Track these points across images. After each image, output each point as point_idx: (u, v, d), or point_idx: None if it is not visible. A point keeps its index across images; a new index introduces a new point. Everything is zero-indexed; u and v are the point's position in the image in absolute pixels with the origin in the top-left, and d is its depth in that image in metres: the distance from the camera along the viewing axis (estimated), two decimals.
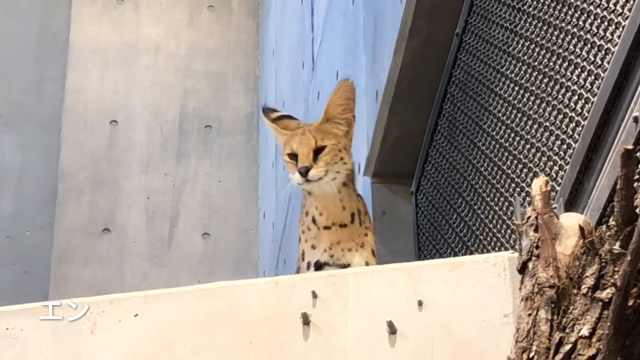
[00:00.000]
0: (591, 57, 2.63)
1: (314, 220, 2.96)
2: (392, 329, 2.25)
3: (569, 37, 2.78)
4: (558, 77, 2.83)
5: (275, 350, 2.28)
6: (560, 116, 2.79)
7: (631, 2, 2.44)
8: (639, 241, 1.69)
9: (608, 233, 1.81)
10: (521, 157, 3.06)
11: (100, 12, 9.07)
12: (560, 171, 2.75)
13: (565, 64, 2.79)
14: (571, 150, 2.69)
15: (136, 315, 2.35)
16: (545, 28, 2.97)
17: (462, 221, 3.61)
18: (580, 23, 2.71)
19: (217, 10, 9.26)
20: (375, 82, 4.51)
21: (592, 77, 2.61)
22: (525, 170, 3.02)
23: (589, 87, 2.62)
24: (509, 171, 3.15)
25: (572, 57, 2.74)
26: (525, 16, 3.15)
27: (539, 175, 2.79)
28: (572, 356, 1.79)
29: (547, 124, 2.87)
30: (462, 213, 3.61)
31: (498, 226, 3.24)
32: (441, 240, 3.86)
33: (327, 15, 5.93)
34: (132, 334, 2.33)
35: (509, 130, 3.19)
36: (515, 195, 3.05)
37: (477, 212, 3.44)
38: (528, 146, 3.01)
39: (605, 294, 1.79)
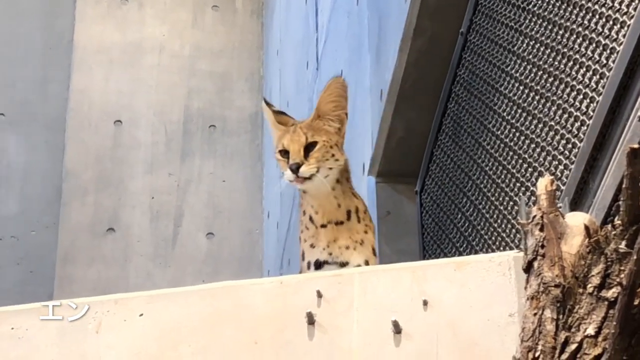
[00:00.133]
0: (596, 56, 2.62)
1: (311, 219, 2.96)
2: (397, 329, 2.25)
3: (574, 36, 2.78)
4: (563, 76, 2.82)
5: (280, 349, 2.28)
6: (566, 115, 2.78)
7: (636, 1, 2.44)
8: None
9: (614, 232, 1.80)
10: (526, 156, 3.05)
11: (104, 12, 9.08)
12: (565, 170, 2.75)
13: (571, 63, 2.78)
14: (576, 150, 2.68)
15: (141, 315, 2.35)
16: (550, 27, 2.97)
17: (467, 221, 3.60)
18: (586, 22, 2.71)
19: (221, 10, 9.26)
20: (380, 82, 4.50)
21: (598, 76, 2.61)
22: (530, 169, 3.02)
23: (594, 86, 2.62)
24: (514, 170, 3.15)
25: (578, 56, 2.74)
26: (531, 15, 3.15)
27: (544, 174, 2.79)
28: (578, 355, 1.78)
29: (552, 123, 2.87)
30: (467, 212, 3.61)
31: (503, 226, 3.23)
32: (446, 239, 3.86)
33: (331, 15, 5.93)
34: (137, 334, 2.33)
35: (514, 130, 3.18)
36: (520, 194, 3.04)
37: (482, 212, 3.44)
38: (533, 145, 3.01)
39: (611, 293, 1.78)
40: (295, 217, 6.15)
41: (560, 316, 1.84)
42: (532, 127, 3.03)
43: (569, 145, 2.74)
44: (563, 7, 2.88)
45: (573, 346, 1.80)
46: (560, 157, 2.79)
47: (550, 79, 2.92)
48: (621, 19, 2.51)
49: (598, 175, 2.54)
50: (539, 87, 3.01)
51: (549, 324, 1.84)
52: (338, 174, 2.95)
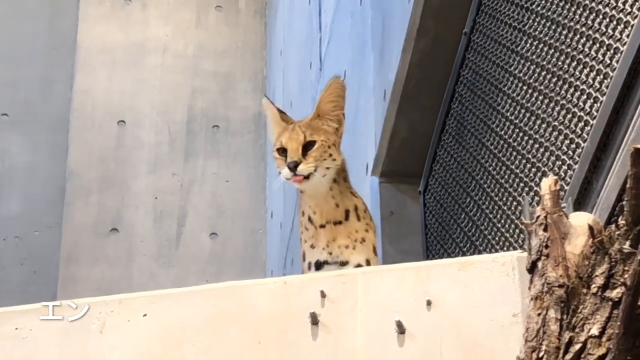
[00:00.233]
0: (600, 56, 2.62)
1: (310, 220, 2.96)
2: (400, 329, 2.24)
3: (578, 36, 2.78)
4: (567, 76, 2.82)
5: (284, 350, 2.28)
6: (569, 115, 2.78)
7: None
8: None
9: (617, 232, 1.80)
10: (530, 156, 3.05)
11: (107, 13, 9.08)
12: (569, 170, 2.74)
13: (574, 64, 2.78)
14: (580, 150, 2.68)
15: (145, 315, 2.35)
16: (554, 27, 2.97)
17: (471, 221, 3.60)
18: (589, 22, 2.71)
19: (224, 10, 9.26)
20: (383, 82, 4.50)
21: (601, 77, 2.60)
22: (533, 169, 3.02)
23: (598, 86, 2.62)
24: (518, 170, 3.15)
25: (581, 56, 2.74)
26: (534, 15, 3.15)
27: (547, 174, 2.79)
28: (582, 355, 1.78)
29: (556, 123, 2.87)
30: (471, 212, 3.61)
31: (506, 226, 3.23)
32: (449, 239, 3.86)
33: (334, 15, 5.93)
34: (141, 334, 2.33)
35: (518, 130, 3.18)
36: (524, 194, 3.04)
37: (486, 212, 3.44)
38: (537, 145, 3.00)
39: (615, 294, 1.78)
40: None
41: (564, 316, 1.83)
42: (536, 127, 3.03)
43: (573, 145, 2.74)
44: (567, 7, 2.88)
45: (577, 346, 1.80)
46: (564, 157, 2.79)
47: (554, 79, 2.92)
48: (625, 19, 2.51)
49: (602, 175, 2.54)
50: (542, 87, 3.01)
51: (553, 324, 1.84)
52: (335, 174, 2.95)
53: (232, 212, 8.63)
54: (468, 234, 3.62)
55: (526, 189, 3.06)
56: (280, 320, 2.31)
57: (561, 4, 2.92)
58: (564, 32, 2.88)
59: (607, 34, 2.60)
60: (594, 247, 1.85)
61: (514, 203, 3.17)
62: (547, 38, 3.01)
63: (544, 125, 2.96)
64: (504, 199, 3.26)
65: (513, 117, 3.23)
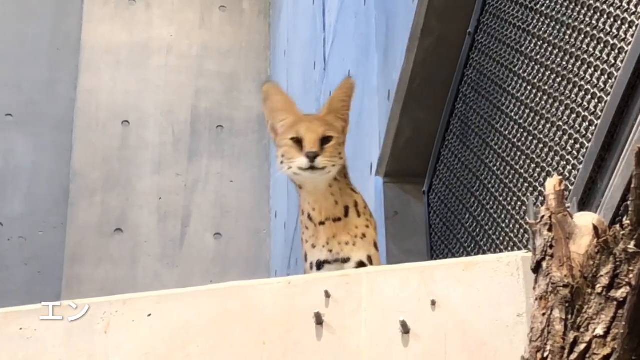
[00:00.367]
0: (604, 56, 2.62)
1: (309, 217, 2.96)
2: (405, 329, 2.24)
3: (582, 36, 2.77)
4: (571, 76, 2.82)
5: (288, 350, 2.28)
6: (574, 115, 2.78)
7: None
8: None
9: (622, 232, 1.80)
10: (534, 156, 3.05)
11: (112, 13, 9.09)
12: (573, 170, 2.74)
13: (579, 63, 2.78)
14: (584, 150, 2.68)
15: (149, 315, 2.36)
16: (558, 27, 2.97)
17: (475, 221, 3.60)
18: (594, 22, 2.71)
19: (228, 10, 9.27)
20: (388, 82, 4.50)
21: (606, 76, 2.60)
22: (538, 169, 3.01)
23: (603, 86, 2.61)
24: (522, 170, 3.14)
25: (586, 56, 2.74)
26: (538, 15, 3.14)
27: (552, 174, 2.79)
28: (587, 355, 1.78)
29: (560, 123, 2.87)
30: (475, 213, 3.61)
31: (511, 226, 3.23)
32: (454, 240, 3.86)
33: (338, 15, 5.93)
34: (145, 334, 2.34)
35: (522, 130, 3.18)
36: (529, 194, 3.04)
37: (490, 212, 3.44)
38: (541, 145, 3.00)
39: (620, 293, 1.78)
40: None
41: (569, 316, 1.83)
42: (540, 127, 3.02)
43: (577, 145, 2.74)
44: (571, 7, 2.88)
45: (582, 346, 1.79)
46: (569, 157, 2.79)
47: (558, 79, 2.92)
48: (629, 19, 2.51)
49: (606, 175, 2.54)
50: (546, 87, 3.00)
51: (558, 324, 1.84)
52: (337, 172, 2.96)
53: (236, 212, 8.64)
54: (472, 234, 3.62)
55: (530, 189, 3.06)
56: (284, 320, 2.31)
57: (566, 4, 2.92)
58: (569, 32, 2.88)
59: (611, 33, 2.59)
60: (598, 247, 1.85)
61: (519, 203, 3.16)
62: (551, 38, 3.01)
63: (548, 126, 2.96)
64: (509, 199, 3.26)
65: (517, 117, 3.22)
